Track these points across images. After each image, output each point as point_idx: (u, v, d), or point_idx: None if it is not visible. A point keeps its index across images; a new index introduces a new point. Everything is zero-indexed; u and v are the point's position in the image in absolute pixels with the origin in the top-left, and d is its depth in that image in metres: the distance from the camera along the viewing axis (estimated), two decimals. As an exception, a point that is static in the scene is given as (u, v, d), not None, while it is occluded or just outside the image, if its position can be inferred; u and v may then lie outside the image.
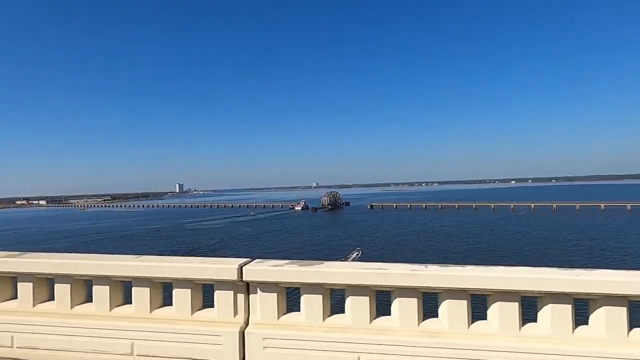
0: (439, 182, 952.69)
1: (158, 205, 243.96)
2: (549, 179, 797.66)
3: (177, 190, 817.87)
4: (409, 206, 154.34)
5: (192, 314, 3.29)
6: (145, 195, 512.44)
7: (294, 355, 2.98)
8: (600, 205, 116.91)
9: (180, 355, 3.12)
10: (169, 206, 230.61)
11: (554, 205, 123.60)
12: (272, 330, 3.07)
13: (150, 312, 3.36)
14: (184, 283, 3.28)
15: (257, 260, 3.27)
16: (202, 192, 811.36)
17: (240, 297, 3.22)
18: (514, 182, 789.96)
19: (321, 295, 3.10)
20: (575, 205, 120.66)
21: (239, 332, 3.07)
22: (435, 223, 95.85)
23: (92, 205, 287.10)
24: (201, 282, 3.33)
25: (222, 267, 3.14)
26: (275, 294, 3.15)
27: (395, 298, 3.02)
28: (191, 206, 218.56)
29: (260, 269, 3.10)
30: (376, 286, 3.02)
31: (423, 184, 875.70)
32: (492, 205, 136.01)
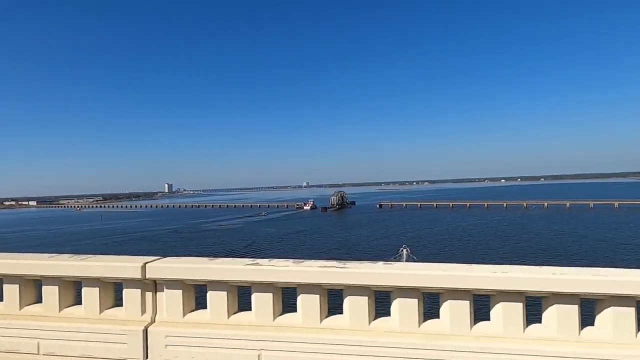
0: (430, 181, 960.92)
1: (156, 206, 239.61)
2: (538, 178, 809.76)
3: (167, 190, 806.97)
4: (419, 205, 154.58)
5: (100, 313, 3.29)
6: (137, 196, 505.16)
7: (197, 353, 3.00)
8: (614, 204, 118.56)
9: (87, 354, 3.12)
10: (167, 206, 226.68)
11: (567, 203, 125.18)
12: (176, 328, 3.07)
13: (60, 311, 3.34)
14: (92, 282, 3.28)
15: (167, 258, 3.28)
16: (192, 192, 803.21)
17: (148, 295, 3.22)
18: (503, 180, 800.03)
19: (226, 292, 3.09)
20: (588, 204, 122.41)
21: (143, 331, 3.07)
22: (460, 222, 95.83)
23: (87, 206, 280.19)
24: (109, 281, 3.32)
25: (126, 265, 3.14)
26: (181, 292, 3.15)
27: (300, 294, 3.05)
28: (192, 206, 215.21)
29: (164, 267, 3.11)
30: (279, 283, 3.04)
31: (414, 183, 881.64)
32: (505, 203, 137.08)
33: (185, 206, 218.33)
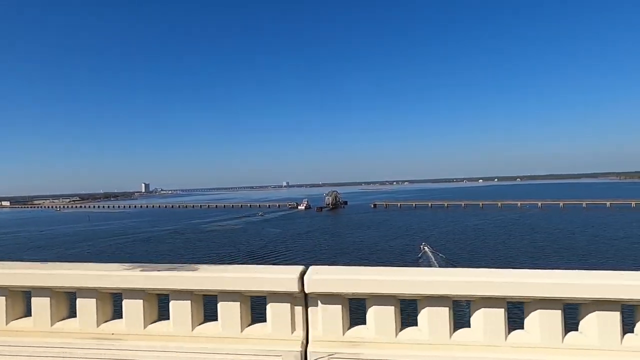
0: (409, 181, 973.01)
1: (141, 206, 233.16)
2: (514, 178, 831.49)
3: (143, 190, 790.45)
4: (414, 205, 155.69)
5: (242, 331, 2.88)
6: (115, 195, 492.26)
7: None
8: (606, 203, 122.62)
9: None
10: (152, 206, 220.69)
11: (561, 203, 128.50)
12: (337, 349, 2.68)
13: (192, 329, 2.91)
14: (233, 295, 2.87)
15: (314, 267, 2.87)
16: (170, 192, 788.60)
17: (299, 310, 2.83)
18: (481, 180, 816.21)
19: (393, 307, 2.73)
20: (581, 203, 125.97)
21: (301, 351, 2.69)
22: (464, 221, 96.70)
23: (66, 206, 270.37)
24: (252, 294, 2.92)
25: (281, 277, 2.73)
26: (340, 307, 2.76)
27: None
28: (178, 206, 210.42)
29: (325, 279, 2.69)
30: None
31: (394, 183, 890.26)
32: (499, 203, 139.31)
33: (172, 206, 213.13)
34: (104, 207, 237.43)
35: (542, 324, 2.52)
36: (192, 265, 2.90)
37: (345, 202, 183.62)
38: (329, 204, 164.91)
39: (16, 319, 3.12)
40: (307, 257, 57.91)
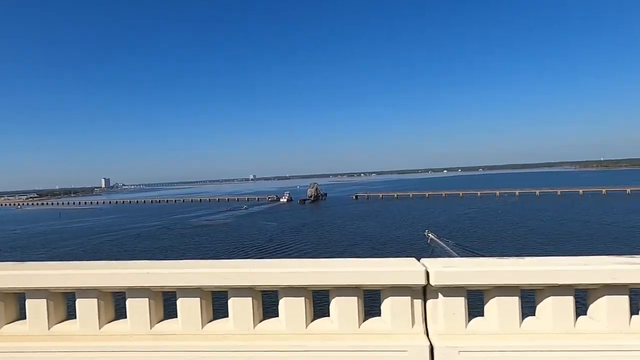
0: (377, 173, 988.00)
1: (110, 202, 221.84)
2: (477, 168, 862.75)
3: (104, 186, 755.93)
4: (395, 196, 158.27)
5: (359, 327, 2.71)
6: (75, 192, 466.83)
7: None
8: (579, 191, 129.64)
9: None
10: (124, 202, 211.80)
11: (537, 191, 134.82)
12: (462, 342, 2.58)
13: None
14: (347, 290, 2.70)
15: (431, 259, 2.76)
16: (132, 187, 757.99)
17: (418, 303, 2.70)
18: (445, 171, 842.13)
19: (517, 297, 2.64)
20: (556, 192, 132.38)
21: (428, 345, 2.55)
22: (455, 211, 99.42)
23: (26, 203, 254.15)
24: (369, 289, 2.74)
25: (404, 270, 2.62)
26: (463, 299, 2.65)
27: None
28: (151, 201, 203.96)
29: (453, 271, 2.59)
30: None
31: (362, 175, 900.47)
32: (479, 192, 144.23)
33: (144, 201, 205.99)
34: (70, 203, 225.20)
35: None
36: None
37: (325, 194, 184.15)
38: (311, 196, 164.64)
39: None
40: (320, 250, 57.55)
